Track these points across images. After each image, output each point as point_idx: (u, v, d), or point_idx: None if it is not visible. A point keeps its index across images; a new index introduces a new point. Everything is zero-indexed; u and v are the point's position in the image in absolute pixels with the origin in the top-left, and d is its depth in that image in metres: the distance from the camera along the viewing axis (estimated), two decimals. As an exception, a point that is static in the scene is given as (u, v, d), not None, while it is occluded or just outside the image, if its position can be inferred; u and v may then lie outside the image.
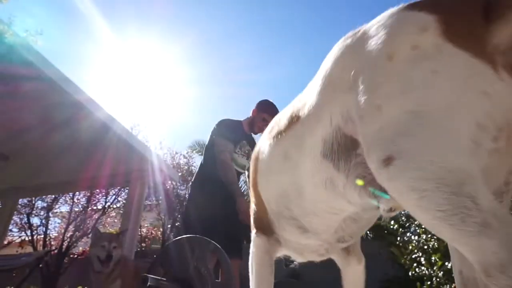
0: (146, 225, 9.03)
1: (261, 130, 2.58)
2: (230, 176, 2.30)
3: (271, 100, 2.67)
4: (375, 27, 0.70)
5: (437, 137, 0.57)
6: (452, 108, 0.57)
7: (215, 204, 2.21)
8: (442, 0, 0.65)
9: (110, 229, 9.31)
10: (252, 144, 2.68)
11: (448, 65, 0.59)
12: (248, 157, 2.59)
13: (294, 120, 0.90)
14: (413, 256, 3.13)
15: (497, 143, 0.58)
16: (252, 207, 1.14)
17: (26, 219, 7.55)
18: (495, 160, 0.60)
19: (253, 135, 2.74)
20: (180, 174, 8.37)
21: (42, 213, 7.80)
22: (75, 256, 7.52)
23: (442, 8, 0.62)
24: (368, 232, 8.07)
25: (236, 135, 2.54)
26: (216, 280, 1.66)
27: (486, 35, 0.56)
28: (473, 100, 0.57)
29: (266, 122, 2.59)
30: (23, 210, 7.50)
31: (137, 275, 2.31)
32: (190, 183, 2.64)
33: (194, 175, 2.63)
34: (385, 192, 0.68)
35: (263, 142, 1.06)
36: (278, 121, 1.02)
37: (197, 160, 9.40)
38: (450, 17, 0.60)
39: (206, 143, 2.64)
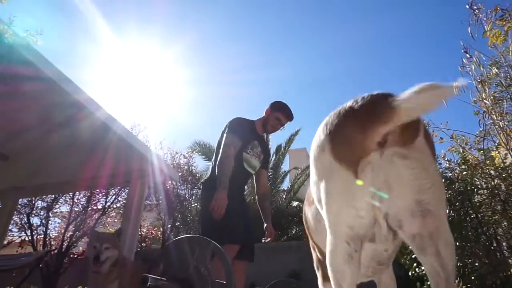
0: (146, 225, 9.03)
1: (274, 129, 2.62)
2: (225, 168, 2.26)
3: (283, 101, 2.67)
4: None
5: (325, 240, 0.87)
6: (336, 215, 0.83)
7: (229, 207, 2.17)
8: (335, 126, 0.81)
9: (111, 229, 9.32)
10: (264, 145, 2.67)
11: (334, 177, 0.79)
12: (260, 158, 2.59)
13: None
14: (413, 256, 3.13)
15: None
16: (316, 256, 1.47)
17: (26, 219, 7.55)
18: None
19: (266, 136, 2.76)
20: (180, 174, 8.37)
21: (42, 213, 7.81)
22: (75, 256, 7.52)
23: (333, 134, 0.81)
24: (368, 232, 8.07)
25: (247, 134, 2.53)
26: (217, 280, 1.66)
27: (361, 152, 0.74)
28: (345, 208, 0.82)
29: (280, 122, 2.60)
30: (23, 210, 7.50)
31: (136, 275, 2.29)
32: (203, 183, 2.57)
33: (206, 176, 2.58)
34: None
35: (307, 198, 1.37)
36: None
37: (197, 160, 9.41)
38: (337, 140, 0.80)
39: (217, 142, 2.58)
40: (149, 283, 1.53)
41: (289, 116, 2.61)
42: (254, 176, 2.65)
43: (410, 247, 3.16)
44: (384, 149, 0.73)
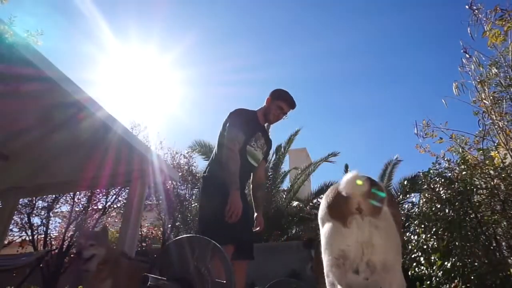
0: (146, 224, 9.04)
1: (277, 118, 2.50)
2: (233, 166, 2.15)
3: (285, 90, 2.54)
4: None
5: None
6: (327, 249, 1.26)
7: (224, 204, 2.09)
8: (332, 198, 1.34)
9: (111, 229, 9.33)
10: (266, 136, 2.57)
11: (329, 226, 1.27)
12: (263, 150, 2.50)
13: None
14: (413, 256, 3.14)
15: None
16: None
17: (26, 219, 7.55)
18: None
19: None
20: (180, 174, 8.38)
21: (42, 213, 7.81)
22: (76, 255, 7.53)
23: (330, 202, 1.33)
24: (368, 231, 8.08)
25: (250, 126, 2.40)
26: (217, 280, 1.66)
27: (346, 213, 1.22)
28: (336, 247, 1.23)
29: (282, 111, 2.48)
30: (24, 210, 7.50)
31: (131, 274, 2.23)
32: (202, 178, 2.46)
33: (204, 175, 2.46)
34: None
35: None
36: None
37: (197, 160, 9.41)
38: (332, 206, 1.31)
39: (219, 134, 2.45)
40: (149, 282, 1.53)
41: (291, 104, 2.49)
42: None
43: (410, 247, 3.16)
44: (363, 215, 1.21)
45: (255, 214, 2.46)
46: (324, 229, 1.31)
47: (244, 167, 2.30)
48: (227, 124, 2.34)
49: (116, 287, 2.12)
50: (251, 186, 2.57)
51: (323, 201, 1.39)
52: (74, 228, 7.72)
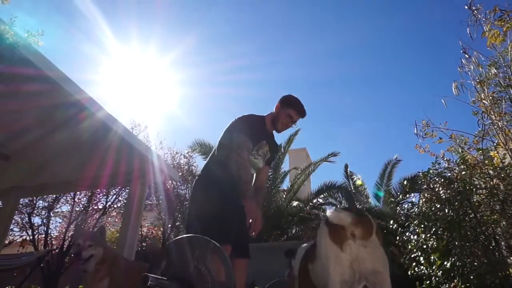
0: (146, 224, 9.05)
1: (285, 127, 2.42)
2: (244, 174, 2.09)
3: (295, 96, 2.46)
4: None
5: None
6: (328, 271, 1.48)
7: (222, 204, 2.07)
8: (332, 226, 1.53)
9: (111, 229, 9.33)
10: (273, 143, 2.50)
11: (330, 251, 1.50)
12: (265, 158, 2.43)
13: None
14: (412, 256, 3.15)
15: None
16: None
17: (27, 218, 7.57)
18: None
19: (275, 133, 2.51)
20: (180, 174, 8.39)
21: (43, 212, 7.82)
22: (76, 255, 7.53)
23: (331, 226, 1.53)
24: (368, 231, 8.09)
25: (257, 134, 2.32)
26: (216, 280, 1.67)
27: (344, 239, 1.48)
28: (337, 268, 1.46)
29: (291, 119, 2.39)
30: (24, 209, 7.52)
31: (128, 274, 2.26)
32: (195, 181, 2.39)
33: (201, 173, 2.41)
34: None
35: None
36: None
37: (197, 160, 9.42)
38: (334, 231, 1.51)
39: (220, 138, 2.37)
40: (149, 282, 1.54)
41: (301, 113, 2.41)
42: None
43: (409, 247, 3.16)
44: (355, 239, 1.47)
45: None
46: (323, 250, 1.57)
47: None
48: (235, 129, 2.25)
49: (113, 286, 2.13)
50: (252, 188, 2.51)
51: (323, 228, 1.61)
52: (74, 228, 7.73)
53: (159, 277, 1.66)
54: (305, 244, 2.07)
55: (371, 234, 1.52)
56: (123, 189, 7.64)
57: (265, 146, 2.41)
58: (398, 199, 8.17)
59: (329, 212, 1.57)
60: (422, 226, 3.07)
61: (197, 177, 2.43)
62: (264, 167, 2.51)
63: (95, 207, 8.27)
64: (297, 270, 2.02)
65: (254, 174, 2.49)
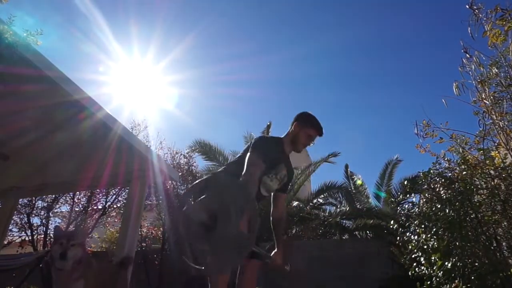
0: (146, 224, 9.03)
1: (305, 146, 2.37)
2: (250, 187, 2.01)
3: (311, 113, 2.41)
4: None
5: None
6: None
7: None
8: None
9: (111, 229, 9.32)
10: (290, 167, 2.41)
11: None
12: (281, 182, 2.34)
13: None
14: (413, 256, 3.14)
15: None
16: None
17: (26, 219, 7.55)
18: None
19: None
20: (180, 174, 8.37)
21: (42, 213, 7.81)
22: (75, 255, 7.51)
23: None
24: (368, 231, 8.09)
25: (274, 156, 2.25)
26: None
27: None
28: None
29: (311, 139, 2.33)
30: (24, 210, 7.50)
31: (100, 275, 2.29)
32: (210, 177, 2.32)
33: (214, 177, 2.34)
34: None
35: None
36: None
37: (197, 160, 9.40)
38: None
39: (238, 157, 2.33)
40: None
41: (320, 132, 2.36)
42: (271, 197, 2.42)
43: (410, 247, 3.14)
44: None
45: (274, 250, 2.31)
46: None
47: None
48: (252, 150, 2.18)
49: (87, 287, 2.13)
50: (271, 219, 2.42)
51: None
52: (74, 228, 7.72)
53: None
54: None
55: None
56: (123, 189, 7.62)
57: (284, 170, 2.33)
58: (398, 199, 8.16)
59: None
60: (423, 226, 3.06)
61: (209, 178, 2.32)
62: (281, 196, 2.43)
63: (95, 207, 8.26)
64: None
65: (271, 198, 2.41)
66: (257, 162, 2.07)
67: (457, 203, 2.88)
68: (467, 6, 3.17)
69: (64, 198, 7.96)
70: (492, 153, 3.33)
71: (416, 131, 3.55)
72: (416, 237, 3.17)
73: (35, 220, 7.75)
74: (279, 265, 2.26)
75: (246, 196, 1.73)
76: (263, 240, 2.93)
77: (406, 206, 7.10)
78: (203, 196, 1.89)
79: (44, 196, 7.46)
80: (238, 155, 2.34)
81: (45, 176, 4.25)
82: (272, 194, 2.39)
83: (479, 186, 3.03)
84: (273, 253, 2.28)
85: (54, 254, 2.06)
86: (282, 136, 2.41)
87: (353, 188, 9.52)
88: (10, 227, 6.57)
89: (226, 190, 1.88)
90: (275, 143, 2.34)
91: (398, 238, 3.60)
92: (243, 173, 2.03)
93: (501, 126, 3.11)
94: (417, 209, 3.35)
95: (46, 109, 2.96)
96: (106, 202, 8.16)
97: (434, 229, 2.91)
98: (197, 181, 2.18)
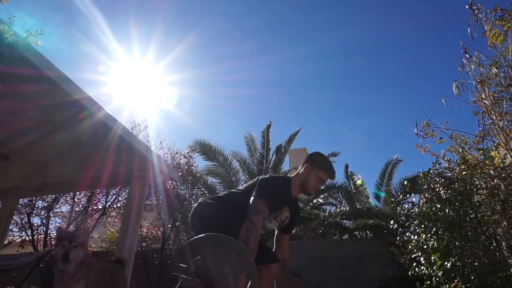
0: (146, 225, 9.03)
1: (315, 189, 2.31)
2: (251, 244, 1.87)
3: (323, 154, 2.36)
4: None
5: None
6: None
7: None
8: None
9: (111, 229, 9.32)
10: (295, 208, 2.34)
11: None
12: (282, 223, 2.26)
13: None
14: (413, 256, 3.14)
15: None
16: None
17: (26, 219, 7.55)
18: None
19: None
20: (180, 174, 8.37)
21: (42, 212, 7.81)
22: (76, 255, 7.51)
23: None
24: (367, 231, 8.09)
25: (279, 201, 2.17)
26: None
27: None
28: None
29: (322, 182, 2.28)
30: (24, 210, 7.50)
31: (101, 275, 2.29)
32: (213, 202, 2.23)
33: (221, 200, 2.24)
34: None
35: None
36: None
37: (197, 160, 9.40)
38: None
39: (244, 187, 2.26)
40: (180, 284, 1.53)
41: (332, 175, 2.31)
42: (275, 238, 2.35)
43: (410, 247, 3.15)
44: None
45: None
46: None
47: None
48: (258, 192, 2.08)
49: (88, 287, 2.14)
50: None
51: None
52: (74, 228, 7.73)
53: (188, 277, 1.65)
54: None
55: None
56: (123, 189, 7.63)
57: (286, 213, 2.24)
58: (398, 199, 8.16)
59: None
60: (423, 226, 3.06)
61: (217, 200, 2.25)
62: (285, 237, 2.36)
63: (95, 207, 8.26)
64: None
65: (274, 236, 2.35)
66: (260, 211, 1.98)
67: (457, 203, 2.88)
68: (467, 6, 3.18)
69: (64, 198, 7.96)
70: (492, 153, 3.33)
71: (416, 131, 3.55)
72: (416, 237, 3.17)
73: (36, 220, 7.76)
74: None
75: (246, 261, 1.65)
76: None
77: (406, 206, 7.09)
78: (198, 258, 1.77)
79: (44, 196, 7.46)
80: (244, 186, 2.25)
81: (45, 176, 4.25)
82: (275, 231, 2.32)
83: (478, 186, 3.03)
84: None
85: (57, 256, 2.07)
86: (292, 175, 2.34)
87: (353, 188, 9.52)
88: (10, 227, 6.57)
89: (224, 252, 1.76)
90: (283, 185, 2.25)
91: (398, 238, 3.60)
92: (246, 221, 1.93)
93: (501, 126, 3.11)
94: (417, 209, 3.35)
95: (46, 109, 2.97)
96: (106, 202, 8.16)
97: (434, 229, 2.91)
98: (184, 244, 2.00)
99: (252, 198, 2.05)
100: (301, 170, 2.30)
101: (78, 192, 7.74)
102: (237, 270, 1.65)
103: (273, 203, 2.10)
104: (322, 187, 8.83)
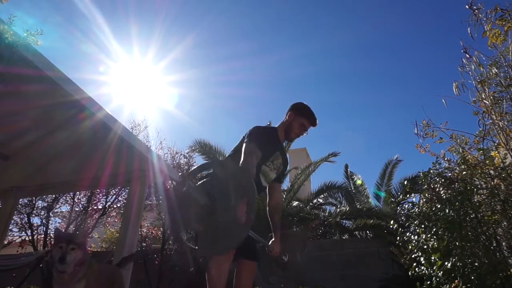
0: (146, 225, 9.03)
1: (298, 136, 2.39)
2: (245, 178, 1.95)
3: (306, 104, 2.41)
4: None
5: None
6: None
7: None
8: None
9: (111, 229, 9.32)
10: (284, 156, 2.42)
11: None
12: (278, 171, 2.36)
13: None
14: (413, 256, 3.14)
15: None
16: None
17: (26, 219, 7.55)
18: None
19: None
20: (180, 174, 8.36)
21: (42, 212, 7.80)
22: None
23: None
24: (367, 231, 8.09)
25: (270, 145, 2.26)
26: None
27: None
28: None
29: (304, 128, 2.35)
30: (24, 210, 7.50)
31: (100, 276, 2.30)
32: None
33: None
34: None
35: None
36: None
37: (198, 160, 9.40)
38: None
39: (233, 148, 2.31)
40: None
41: (314, 122, 2.38)
42: (267, 190, 2.42)
43: (410, 247, 3.16)
44: None
45: (272, 240, 2.33)
46: None
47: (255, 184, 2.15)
48: (248, 139, 2.16)
49: (88, 287, 2.14)
50: (268, 209, 2.44)
51: None
52: (74, 228, 7.72)
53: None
54: None
55: None
56: (123, 189, 7.62)
57: (279, 158, 2.33)
58: (398, 199, 8.16)
59: None
60: (423, 226, 3.06)
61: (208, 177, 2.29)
62: (277, 186, 2.45)
63: (95, 207, 8.26)
64: None
65: (267, 189, 2.40)
66: (254, 150, 2.06)
67: (457, 203, 2.88)
68: (467, 6, 3.17)
69: (64, 198, 7.96)
70: (492, 153, 3.32)
71: (416, 131, 3.54)
72: (416, 237, 3.17)
73: (35, 220, 7.76)
74: (277, 255, 2.27)
75: (247, 180, 1.72)
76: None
77: (406, 206, 7.11)
78: (204, 180, 1.98)
79: (44, 196, 7.46)
80: (234, 147, 2.32)
81: (45, 176, 4.25)
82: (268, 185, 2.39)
83: (479, 186, 3.03)
84: (270, 242, 2.29)
85: (54, 258, 2.07)
86: (277, 126, 2.43)
87: (353, 188, 9.52)
88: (10, 227, 6.57)
89: (227, 173, 1.89)
90: (270, 133, 2.35)
91: (398, 238, 3.60)
92: (240, 161, 2.02)
93: (501, 126, 3.11)
94: (417, 209, 3.34)
95: (46, 109, 2.97)
96: (106, 202, 8.16)
97: (434, 229, 2.91)
98: (195, 167, 2.16)
99: (244, 144, 2.12)
100: (285, 118, 2.39)
101: (78, 192, 7.74)
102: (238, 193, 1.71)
103: (267, 147, 2.18)
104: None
